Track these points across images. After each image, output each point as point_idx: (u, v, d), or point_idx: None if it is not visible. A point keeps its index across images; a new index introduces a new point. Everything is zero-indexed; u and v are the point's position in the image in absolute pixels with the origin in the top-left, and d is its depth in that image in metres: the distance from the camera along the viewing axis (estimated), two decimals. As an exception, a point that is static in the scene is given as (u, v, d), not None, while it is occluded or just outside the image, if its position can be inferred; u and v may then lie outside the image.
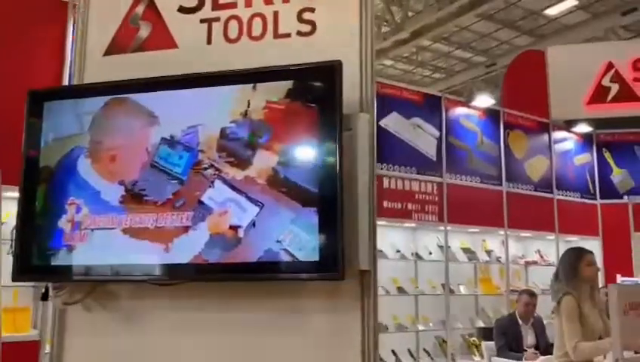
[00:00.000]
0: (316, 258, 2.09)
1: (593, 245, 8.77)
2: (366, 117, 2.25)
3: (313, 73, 2.17)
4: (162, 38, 2.63)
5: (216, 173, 2.21)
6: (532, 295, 5.96)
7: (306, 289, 2.27)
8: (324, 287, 2.25)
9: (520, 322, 5.79)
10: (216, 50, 2.57)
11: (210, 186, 2.21)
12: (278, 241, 2.12)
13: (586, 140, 9.04)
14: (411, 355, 7.02)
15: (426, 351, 7.18)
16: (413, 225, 7.18)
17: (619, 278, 8.42)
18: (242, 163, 2.19)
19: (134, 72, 2.48)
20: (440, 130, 7.43)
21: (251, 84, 2.21)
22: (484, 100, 7.83)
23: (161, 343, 2.37)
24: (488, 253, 7.90)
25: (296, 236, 2.10)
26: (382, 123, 6.92)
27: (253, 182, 2.17)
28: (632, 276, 8.59)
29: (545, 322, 5.90)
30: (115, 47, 2.67)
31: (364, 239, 2.19)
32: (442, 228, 7.29)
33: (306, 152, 2.15)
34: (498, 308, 7.79)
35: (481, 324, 7.48)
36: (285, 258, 2.12)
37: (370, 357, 2.22)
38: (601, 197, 8.97)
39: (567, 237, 8.66)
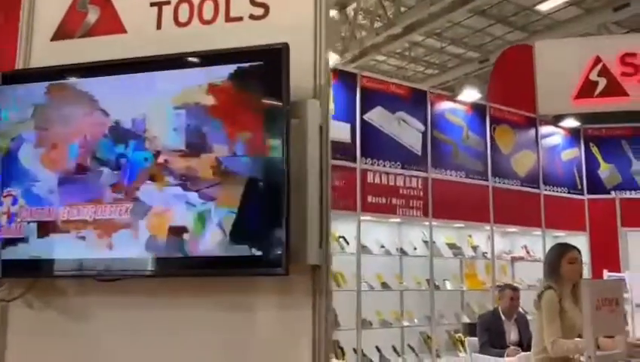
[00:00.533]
0: (260, 253, 1.95)
1: (580, 240, 8.65)
2: (316, 103, 2.11)
3: (258, 56, 2.03)
4: (111, 23, 2.48)
5: (160, 162, 2.07)
6: (515, 289, 5.84)
7: (255, 286, 2.14)
8: (274, 283, 2.11)
9: (503, 318, 5.67)
10: (166, 35, 2.42)
11: (153, 177, 2.07)
12: (221, 235, 1.98)
13: (574, 135, 8.90)
14: (395, 351, 6.89)
15: (411, 347, 7.05)
16: (398, 220, 7.04)
17: (605, 274, 8.31)
18: (186, 152, 2.05)
19: (82, 58, 2.34)
20: (425, 125, 7.29)
21: (195, 69, 2.07)
22: (470, 95, 7.68)
23: (105, 340, 2.23)
24: (474, 248, 7.77)
25: (240, 230, 1.96)
26: (366, 117, 6.78)
27: (197, 173, 2.03)
28: (618, 271, 8.46)
29: (529, 318, 5.77)
30: (62, 32, 2.52)
31: (314, 233, 2.05)
32: (427, 223, 7.15)
33: (251, 141, 2.00)
34: (484, 303, 7.65)
35: (466, 320, 7.34)
36: (230, 252, 1.98)
37: (320, 356, 2.08)
38: (589, 193, 8.83)
39: (554, 232, 8.53)
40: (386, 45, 12.59)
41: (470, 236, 7.87)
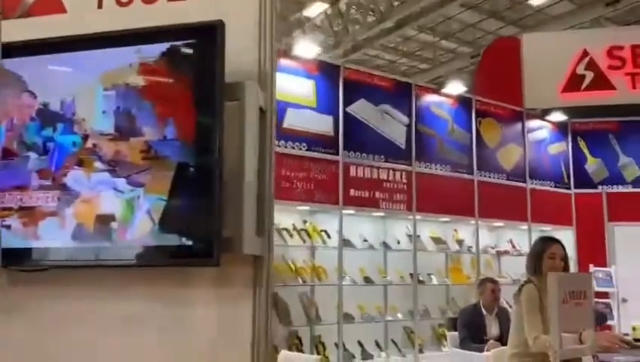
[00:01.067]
0: (190, 242, 1.82)
1: (566, 235, 8.54)
2: (254, 85, 1.97)
3: (192, 34, 1.89)
4: (50, 3, 2.34)
5: (88, 146, 1.94)
6: (494, 282, 5.74)
7: (190, 277, 2.00)
8: (211, 275, 1.98)
9: (484, 312, 5.56)
10: (107, 14, 2.28)
11: (81, 162, 1.94)
12: (151, 224, 1.84)
13: (561, 129, 8.77)
14: (378, 346, 6.77)
15: (394, 342, 6.93)
16: (381, 214, 6.91)
17: (591, 268, 8.20)
18: (115, 136, 1.91)
19: (21, 38, 2.20)
20: (410, 118, 7.15)
21: (126, 47, 1.93)
22: (456, 87, 7.54)
23: (31, 333, 2.10)
24: (459, 242, 7.64)
25: (170, 218, 1.83)
26: (349, 109, 6.65)
27: (126, 158, 1.89)
28: (605, 266, 8.35)
29: (510, 312, 5.65)
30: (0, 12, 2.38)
31: (250, 222, 1.92)
32: (411, 217, 7.02)
33: (182, 124, 1.87)
34: (469, 298, 7.51)
35: (451, 315, 7.22)
36: (159, 242, 1.85)
37: (259, 351, 1.95)
38: (576, 187, 8.71)
39: (540, 226, 8.41)
40: (378, 39, 12.46)
41: (456, 230, 7.74)
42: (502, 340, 5.27)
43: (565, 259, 3.69)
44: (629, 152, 8.58)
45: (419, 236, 7.11)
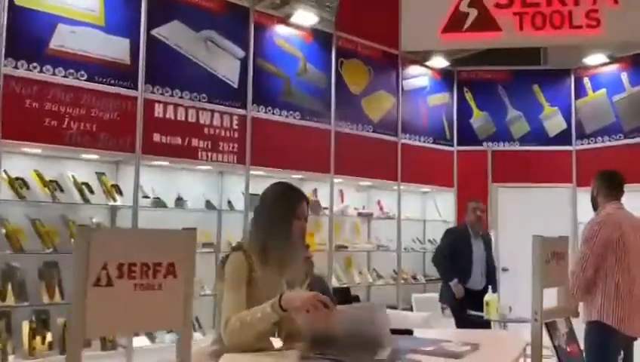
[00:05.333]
0: None
1: (447, 197, 7.07)
2: None
3: None
4: None
5: None
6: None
7: None
8: None
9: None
10: None
11: None
12: None
13: (445, 78, 7.22)
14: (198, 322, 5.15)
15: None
16: (203, 167, 5.22)
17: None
18: None
19: None
20: (246, 51, 5.42)
21: None
22: (309, 18, 5.81)
23: None
24: (315, 204, 6.03)
25: None
26: (155, 32, 4.86)
27: None
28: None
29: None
30: None
31: None
32: (243, 172, 5.35)
33: None
34: (321, 266, 5.98)
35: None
36: None
37: None
38: (459, 144, 7.21)
39: (417, 187, 6.92)
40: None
41: (316, 190, 6.13)
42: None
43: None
44: (518, 105, 7.11)
45: (255, 195, 5.46)
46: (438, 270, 5.47)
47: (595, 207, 3.47)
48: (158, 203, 4.93)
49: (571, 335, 2.46)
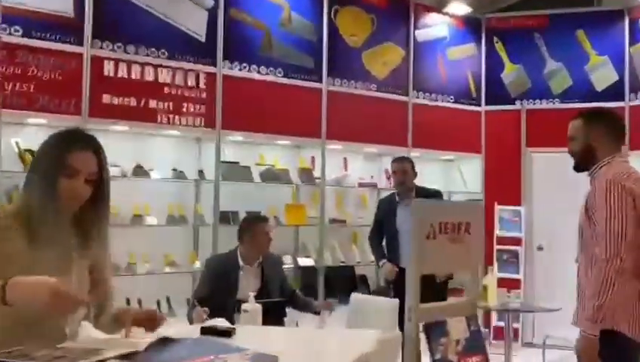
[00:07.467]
0: None
1: (472, 164, 6.06)
2: None
3: None
4: None
5: None
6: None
7: None
8: None
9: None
10: None
11: None
12: None
13: (469, 26, 6.08)
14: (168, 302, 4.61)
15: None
16: (170, 132, 4.61)
17: (497, 208, 5.76)
18: None
19: None
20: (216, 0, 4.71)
21: None
22: (292, -41, 4.97)
23: None
24: (305, 171, 5.27)
25: None
26: (104, -18, 4.27)
27: None
28: (518, 204, 5.85)
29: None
30: None
31: None
32: (214, 136, 4.68)
33: None
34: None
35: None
36: None
37: None
38: (487, 103, 6.09)
39: (435, 154, 5.95)
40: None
41: (313, 157, 5.37)
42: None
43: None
44: (559, 56, 5.85)
45: (227, 162, 4.80)
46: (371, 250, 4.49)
47: (585, 162, 2.44)
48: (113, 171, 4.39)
49: (473, 343, 1.58)
